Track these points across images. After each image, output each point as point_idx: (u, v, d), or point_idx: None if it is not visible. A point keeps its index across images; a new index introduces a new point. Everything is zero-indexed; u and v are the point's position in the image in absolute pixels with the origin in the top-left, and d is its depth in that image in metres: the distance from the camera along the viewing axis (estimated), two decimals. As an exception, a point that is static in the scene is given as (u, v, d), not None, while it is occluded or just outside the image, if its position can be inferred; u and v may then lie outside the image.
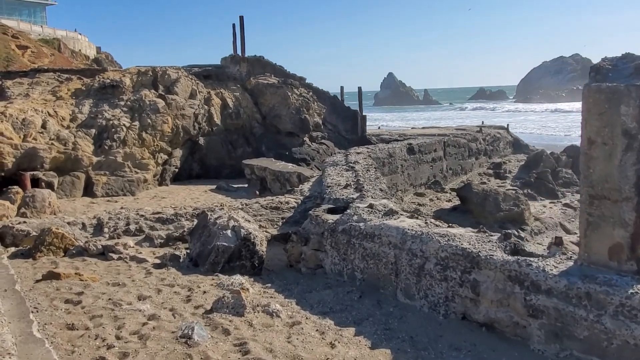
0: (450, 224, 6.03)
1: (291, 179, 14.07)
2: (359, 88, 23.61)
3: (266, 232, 8.36)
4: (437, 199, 16.07)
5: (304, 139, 19.39)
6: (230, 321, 4.79)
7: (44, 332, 4.44)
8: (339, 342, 4.46)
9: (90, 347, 4.24)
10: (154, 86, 17.20)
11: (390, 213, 6.27)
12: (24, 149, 13.28)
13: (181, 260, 7.05)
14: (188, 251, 7.31)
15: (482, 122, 30.23)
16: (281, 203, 9.85)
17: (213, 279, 6.22)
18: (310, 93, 20.70)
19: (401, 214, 6.32)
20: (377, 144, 18.11)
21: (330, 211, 7.02)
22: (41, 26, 41.91)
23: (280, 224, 9.06)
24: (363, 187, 8.33)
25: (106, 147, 14.78)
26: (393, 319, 4.98)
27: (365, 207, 6.60)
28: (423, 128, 30.27)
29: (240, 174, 16.20)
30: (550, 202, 16.36)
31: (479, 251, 4.73)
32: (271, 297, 5.69)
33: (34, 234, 7.81)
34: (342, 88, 25.00)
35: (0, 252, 7.31)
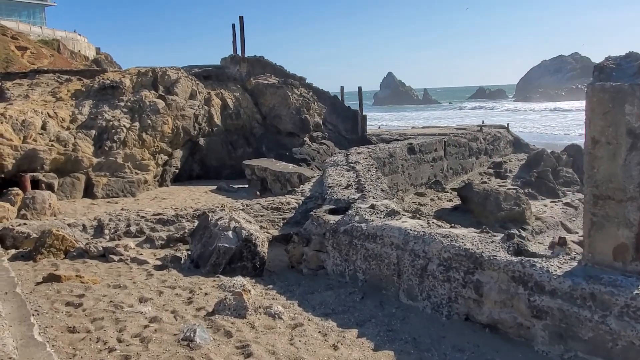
0: (452, 225, 6.00)
1: (292, 180, 14.05)
2: (359, 88, 23.59)
3: (267, 232, 8.33)
4: (438, 198, 16.05)
5: (305, 139, 19.37)
6: (232, 323, 4.77)
7: (45, 335, 4.41)
8: (341, 344, 4.43)
9: (91, 350, 4.21)
10: (154, 87, 17.18)
11: (392, 214, 6.24)
12: (24, 150, 13.26)
13: (182, 261, 7.02)
14: (189, 252, 7.28)
15: (483, 122, 30.21)
16: (282, 204, 9.81)
17: (214, 281, 6.19)
18: (311, 93, 20.68)
19: (403, 215, 6.29)
20: (377, 143, 18.09)
21: (332, 212, 6.99)
22: (40, 27, 41.92)
23: (281, 224, 9.03)
24: (364, 187, 8.30)
25: (106, 148, 14.75)
26: (396, 320, 4.95)
27: (367, 207, 6.58)
28: (423, 128, 30.26)
29: (241, 174, 16.17)
30: (551, 202, 16.34)
31: (482, 252, 4.70)
32: (273, 298, 5.66)
33: (35, 236, 7.78)
34: (342, 88, 24.98)
35: (1, 255, 7.27)
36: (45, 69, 18.72)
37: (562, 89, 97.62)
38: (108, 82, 16.39)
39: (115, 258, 7.10)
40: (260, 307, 5.12)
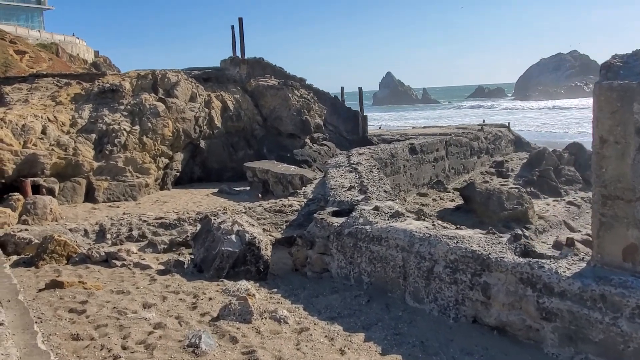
0: (458, 226, 5.96)
1: (294, 182, 13.99)
2: (360, 88, 23.52)
3: (270, 235, 8.28)
4: (440, 198, 16.02)
5: (305, 140, 19.31)
6: (237, 328, 4.72)
7: (48, 343, 4.36)
8: (348, 349, 4.38)
9: (96, 357, 4.16)
10: (153, 90, 17.13)
11: (396, 215, 6.20)
12: (24, 155, 13.21)
13: (185, 266, 6.96)
14: (192, 257, 7.23)
15: (484, 121, 30.16)
16: (284, 206, 9.75)
17: (218, 285, 6.14)
18: (311, 94, 20.63)
19: (408, 216, 6.24)
20: (378, 144, 18.05)
21: (335, 214, 6.95)
22: (39, 31, 41.91)
23: (284, 227, 8.98)
24: (367, 188, 8.26)
25: (107, 152, 14.70)
26: (402, 324, 4.91)
27: (371, 209, 6.53)
28: (424, 127, 30.23)
29: (242, 176, 16.11)
30: (553, 200, 16.30)
31: (489, 253, 4.65)
32: (278, 302, 5.61)
33: (36, 241, 7.73)
34: (342, 88, 24.92)
35: (2, 261, 7.22)
36: (45, 73, 18.68)
37: (561, 87, 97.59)
38: (108, 85, 16.35)
39: (118, 263, 7.05)
40: (265, 312, 5.07)
